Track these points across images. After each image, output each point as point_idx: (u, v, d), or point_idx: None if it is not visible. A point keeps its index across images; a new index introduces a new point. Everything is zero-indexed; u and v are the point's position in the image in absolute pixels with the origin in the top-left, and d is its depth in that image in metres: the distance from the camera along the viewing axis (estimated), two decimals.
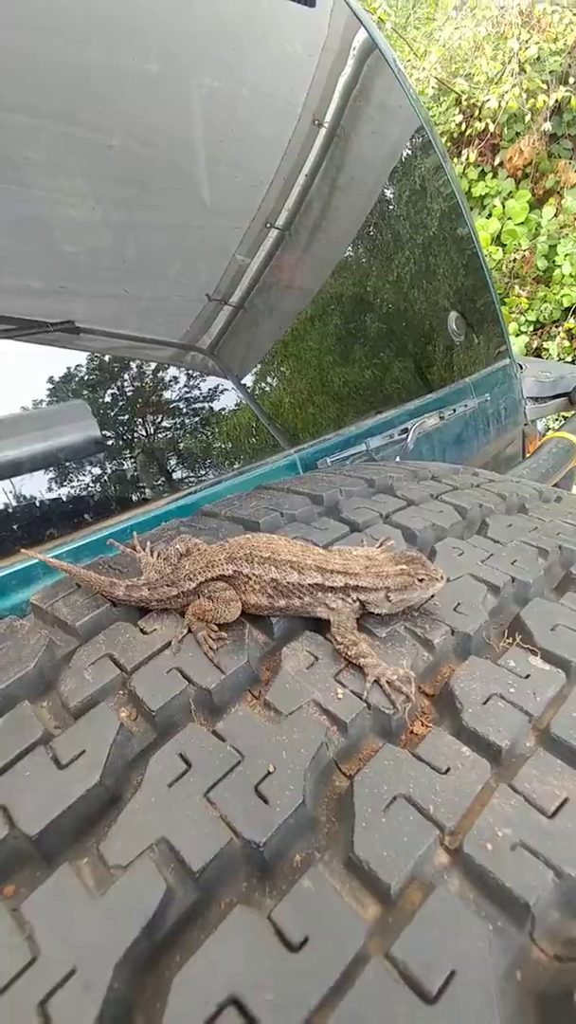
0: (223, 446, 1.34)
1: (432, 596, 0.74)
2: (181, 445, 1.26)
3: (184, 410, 1.27)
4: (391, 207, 2.11)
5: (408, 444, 1.78)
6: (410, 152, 2.22)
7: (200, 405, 1.30)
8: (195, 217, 1.38)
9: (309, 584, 0.70)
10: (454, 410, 2.10)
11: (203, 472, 1.28)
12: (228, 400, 1.36)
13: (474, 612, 0.74)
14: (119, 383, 1.18)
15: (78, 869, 0.48)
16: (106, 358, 1.16)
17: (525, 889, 0.46)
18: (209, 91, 1.43)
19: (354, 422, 1.69)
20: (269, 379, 1.52)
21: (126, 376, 1.19)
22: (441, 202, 2.32)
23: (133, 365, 1.21)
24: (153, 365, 1.24)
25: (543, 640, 0.71)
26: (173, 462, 1.25)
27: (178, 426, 1.26)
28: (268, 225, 1.52)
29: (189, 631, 0.69)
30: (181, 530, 0.93)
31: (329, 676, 0.64)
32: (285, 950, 0.43)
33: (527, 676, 0.66)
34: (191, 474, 1.26)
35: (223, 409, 1.34)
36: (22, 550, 0.83)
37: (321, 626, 0.72)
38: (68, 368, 1.10)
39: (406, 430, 1.80)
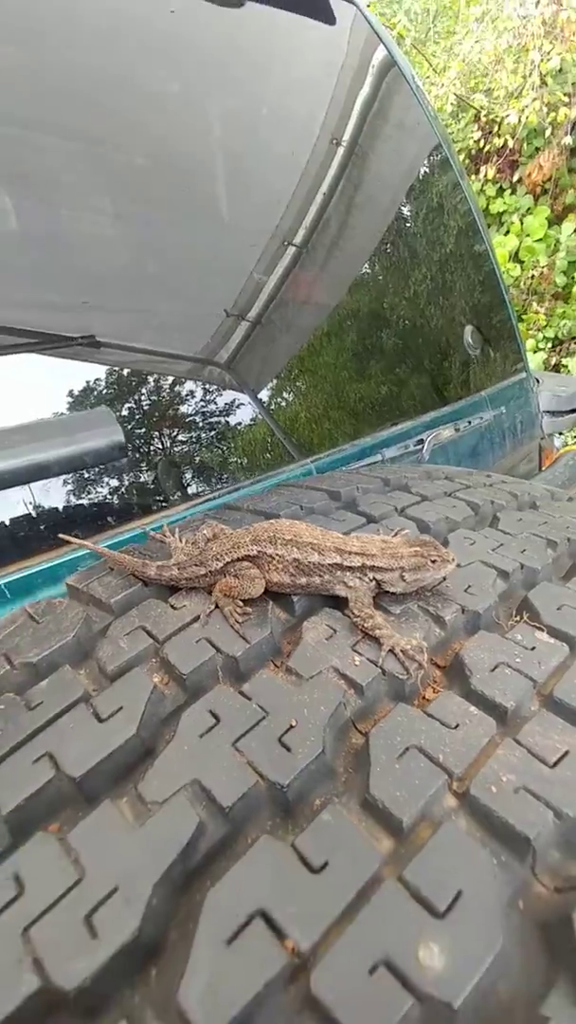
0: (240, 456, 1.40)
1: (444, 578, 0.79)
2: (199, 456, 1.32)
3: (202, 422, 1.33)
4: (408, 224, 2.16)
5: (423, 455, 1.82)
6: (427, 170, 2.28)
7: (218, 418, 1.36)
8: (214, 235, 1.45)
9: (329, 564, 0.75)
10: (469, 422, 2.14)
11: (220, 481, 1.33)
12: (246, 413, 1.42)
13: (484, 593, 0.79)
14: (139, 395, 1.25)
15: (118, 805, 0.54)
16: (125, 372, 1.22)
17: (526, 826, 0.50)
18: (229, 110, 1.50)
19: (369, 433, 1.73)
20: (286, 393, 1.58)
21: (145, 389, 1.26)
22: (458, 219, 2.37)
23: (152, 379, 1.27)
24: (172, 379, 1.31)
25: (549, 618, 0.75)
26: (191, 472, 1.30)
27: (196, 438, 1.32)
28: (286, 242, 1.59)
29: (216, 606, 0.75)
30: (207, 520, 0.99)
31: (347, 646, 0.69)
32: (307, 871, 0.47)
33: (533, 648, 0.70)
34: (209, 483, 1.32)
35: (241, 421, 1.40)
36: (61, 535, 0.90)
37: (339, 604, 0.77)
38: (88, 381, 1.17)
39: (421, 441, 1.84)
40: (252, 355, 1.44)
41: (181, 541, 0.87)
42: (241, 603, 0.75)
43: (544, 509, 1.14)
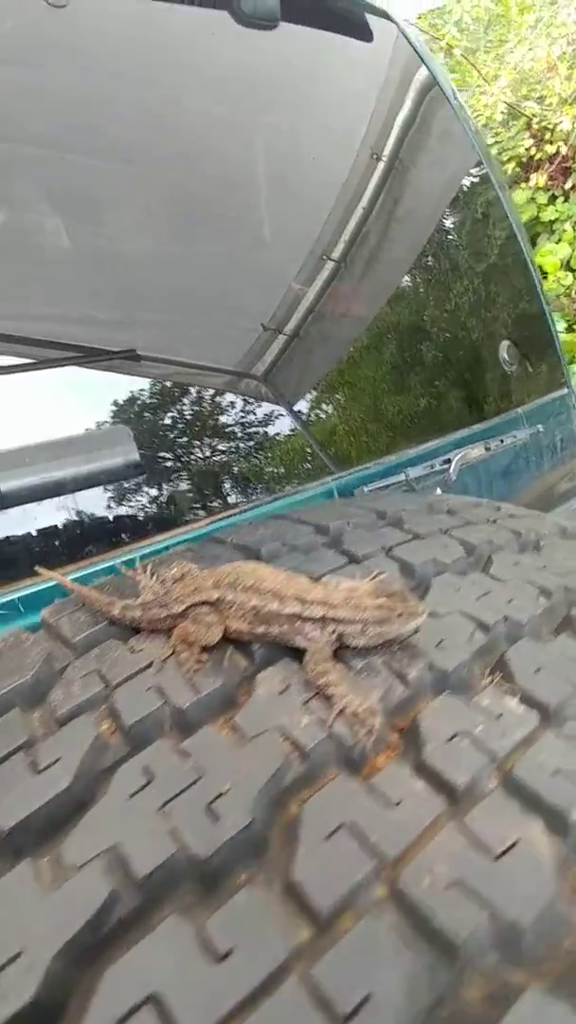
0: (258, 473, 1.39)
1: (415, 631, 0.75)
2: (217, 472, 1.31)
3: (219, 437, 1.33)
4: (448, 238, 2.14)
5: (450, 475, 1.76)
6: (467, 185, 2.25)
7: (237, 432, 1.36)
8: (255, 250, 1.47)
9: (288, 613, 0.72)
10: (502, 440, 2.06)
11: (236, 499, 1.33)
12: (265, 428, 1.41)
13: (457, 649, 0.75)
14: (162, 409, 1.26)
15: (38, 866, 0.53)
16: (168, 383, 1.26)
17: (457, 927, 0.47)
18: (269, 127, 1.53)
19: (394, 451, 1.69)
20: (311, 410, 1.56)
21: (172, 403, 1.28)
22: (497, 235, 2.32)
23: (183, 391, 1.29)
24: (201, 392, 1.32)
25: (524, 681, 0.71)
26: (208, 488, 1.30)
27: (213, 453, 1.32)
28: (324, 257, 1.58)
29: (173, 652, 0.73)
30: (179, 558, 0.97)
31: (298, 704, 0.67)
32: (210, 958, 0.45)
33: (499, 716, 0.66)
34: (223, 501, 1.31)
35: (260, 437, 1.40)
36: (37, 568, 0.90)
37: (302, 655, 0.74)
38: (132, 392, 1.21)
39: (448, 460, 1.78)
40: (286, 369, 1.45)
41: (151, 579, 0.85)
42: (199, 649, 0.73)
43: (548, 551, 1.08)
